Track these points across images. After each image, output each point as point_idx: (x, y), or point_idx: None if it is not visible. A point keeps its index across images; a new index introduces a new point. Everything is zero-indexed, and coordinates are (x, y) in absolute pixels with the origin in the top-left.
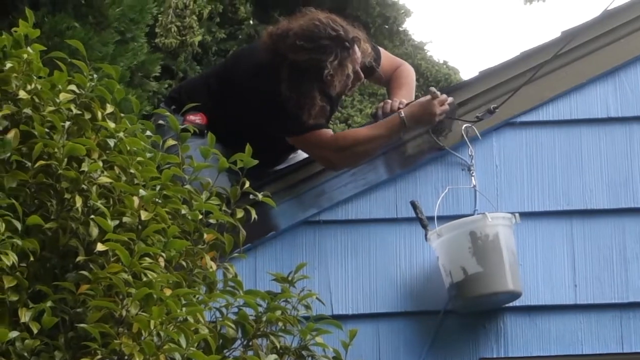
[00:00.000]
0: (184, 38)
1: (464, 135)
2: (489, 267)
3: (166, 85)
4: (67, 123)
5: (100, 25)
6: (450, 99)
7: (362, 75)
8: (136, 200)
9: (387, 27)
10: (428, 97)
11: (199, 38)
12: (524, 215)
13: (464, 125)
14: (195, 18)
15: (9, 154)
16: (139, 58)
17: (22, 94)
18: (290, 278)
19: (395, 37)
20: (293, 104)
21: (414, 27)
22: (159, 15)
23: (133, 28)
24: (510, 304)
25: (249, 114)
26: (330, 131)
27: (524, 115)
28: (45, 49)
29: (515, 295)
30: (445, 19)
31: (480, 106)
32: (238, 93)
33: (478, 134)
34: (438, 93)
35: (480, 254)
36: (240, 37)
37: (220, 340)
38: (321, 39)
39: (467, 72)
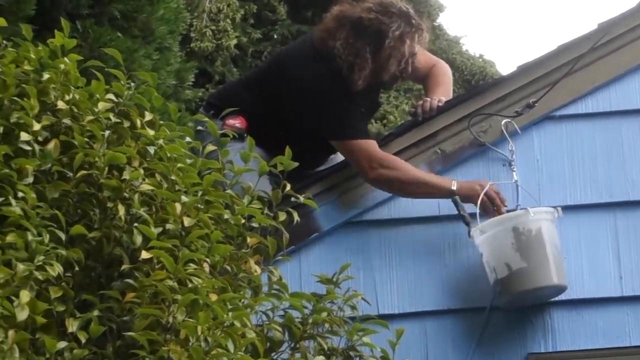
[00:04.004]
0: (219, 42)
1: (504, 131)
2: (533, 262)
3: (201, 92)
4: (107, 132)
5: (146, 39)
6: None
7: (410, 69)
8: (178, 206)
9: None
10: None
11: (234, 41)
12: (567, 208)
13: (504, 121)
14: (229, 22)
15: (50, 165)
16: (174, 67)
17: (61, 105)
18: (335, 279)
19: (430, 33)
20: (344, 62)
21: (448, 22)
22: (194, 20)
23: (168, 37)
24: (556, 298)
25: (294, 113)
26: (375, 143)
27: (563, 108)
28: (82, 58)
29: (560, 289)
30: (479, 13)
31: (519, 101)
32: (285, 93)
33: (518, 129)
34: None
35: (523, 249)
36: (275, 37)
37: (268, 344)
38: (391, 7)
39: (502, 64)
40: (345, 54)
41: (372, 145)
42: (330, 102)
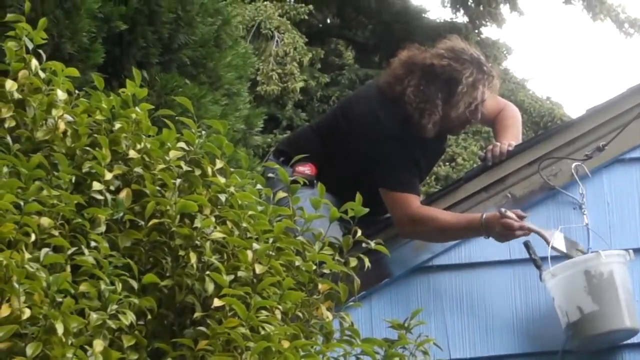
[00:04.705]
0: (285, 85)
1: (574, 174)
2: (605, 305)
3: (269, 138)
4: (178, 180)
5: (214, 86)
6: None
7: (479, 115)
8: (250, 254)
9: None
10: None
11: (301, 84)
12: (638, 251)
13: (574, 164)
14: (296, 65)
15: (122, 214)
16: (242, 112)
17: (132, 154)
18: (406, 324)
19: (499, 78)
20: (414, 108)
21: (514, 65)
22: (261, 64)
23: (236, 82)
24: (628, 341)
25: (360, 159)
26: (417, 199)
27: (634, 151)
28: (153, 107)
29: (633, 332)
30: (546, 55)
31: (589, 144)
32: (351, 140)
33: (588, 172)
34: (508, 213)
35: (595, 292)
36: (342, 82)
37: None
38: (463, 54)
39: (570, 106)
40: (417, 101)
41: (410, 200)
42: (383, 148)
